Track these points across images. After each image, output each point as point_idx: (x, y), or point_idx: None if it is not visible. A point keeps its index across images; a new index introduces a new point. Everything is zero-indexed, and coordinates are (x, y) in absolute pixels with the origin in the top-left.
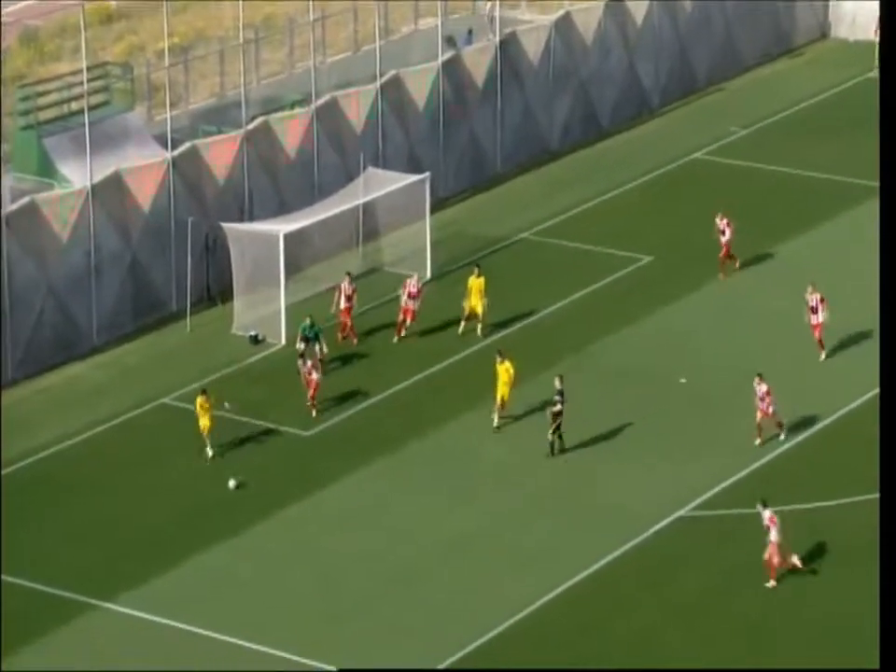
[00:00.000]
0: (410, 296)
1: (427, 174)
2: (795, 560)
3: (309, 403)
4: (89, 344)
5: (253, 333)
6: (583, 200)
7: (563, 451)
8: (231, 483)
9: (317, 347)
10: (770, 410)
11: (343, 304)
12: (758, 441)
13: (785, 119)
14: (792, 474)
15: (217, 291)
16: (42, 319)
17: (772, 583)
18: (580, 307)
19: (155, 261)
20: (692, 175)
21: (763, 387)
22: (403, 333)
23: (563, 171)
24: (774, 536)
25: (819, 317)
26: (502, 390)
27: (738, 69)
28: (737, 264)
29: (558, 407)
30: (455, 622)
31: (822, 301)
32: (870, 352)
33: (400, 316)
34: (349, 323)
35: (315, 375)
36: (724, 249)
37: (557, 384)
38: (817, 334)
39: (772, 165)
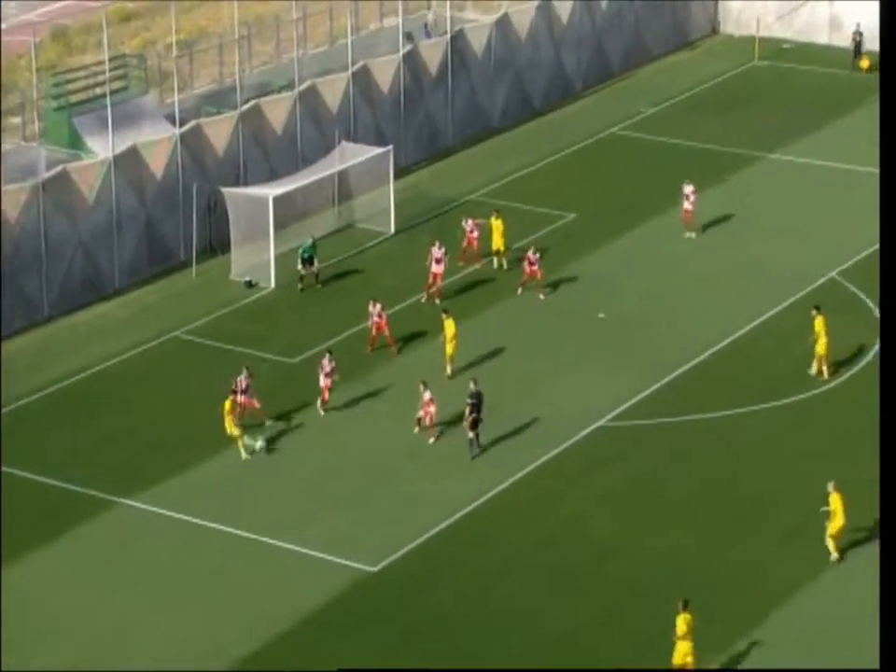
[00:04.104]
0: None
1: (391, 146)
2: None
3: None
4: (111, 287)
5: (247, 279)
6: (519, 168)
7: (482, 450)
8: (259, 444)
9: (312, 266)
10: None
11: (433, 267)
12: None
13: (683, 100)
14: (692, 389)
15: (217, 244)
16: (73, 267)
17: (321, 413)
18: (517, 256)
19: (166, 219)
20: (608, 146)
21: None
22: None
23: (503, 144)
24: (323, 381)
25: (535, 268)
26: (450, 345)
27: (646, 59)
28: (481, 264)
29: (473, 415)
30: (421, 510)
31: (540, 257)
32: (750, 287)
33: (525, 277)
34: (439, 283)
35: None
36: (472, 243)
37: (472, 386)
38: (535, 277)
39: (673, 139)
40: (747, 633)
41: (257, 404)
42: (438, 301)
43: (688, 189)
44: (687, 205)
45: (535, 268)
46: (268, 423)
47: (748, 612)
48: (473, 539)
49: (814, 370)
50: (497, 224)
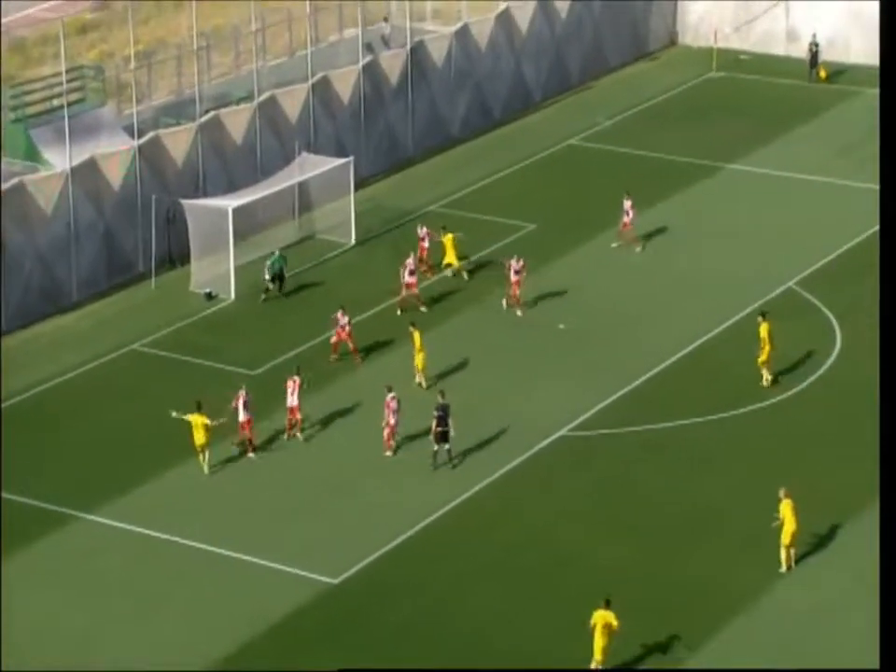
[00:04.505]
0: (515, 272)
1: (351, 157)
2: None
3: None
4: (70, 300)
5: (207, 290)
6: (480, 178)
7: (454, 465)
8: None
9: (283, 282)
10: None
11: (406, 277)
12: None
13: (641, 111)
14: (653, 398)
15: (176, 255)
16: (31, 279)
17: (299, 435)
18: (479, 266)
19: (125, 231)
20: (568, 157)
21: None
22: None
23: (463, 154)
24: (291, 400)
25: (520, 277)
26: (419, 356)
27: (604, 70)
28: (432, 272)
29: (439, 427)
30: (383, 521)
31: (523, 266)
32: (709, 296)
33: (513, 289)
34: (414, 291)
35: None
36: (423, 251)
37: (439, 399)
38: (515, 290)
39: (632, 149)
40: (705, 641)
41: (250, 434)
42: (399, 313)
43: (627, 203)
44: (625, 219)
45: (519, 277)
46: (251, 456)
47: (706, 620)
48: (436, 549)
49: (765, 381)
50: (447, 240)
